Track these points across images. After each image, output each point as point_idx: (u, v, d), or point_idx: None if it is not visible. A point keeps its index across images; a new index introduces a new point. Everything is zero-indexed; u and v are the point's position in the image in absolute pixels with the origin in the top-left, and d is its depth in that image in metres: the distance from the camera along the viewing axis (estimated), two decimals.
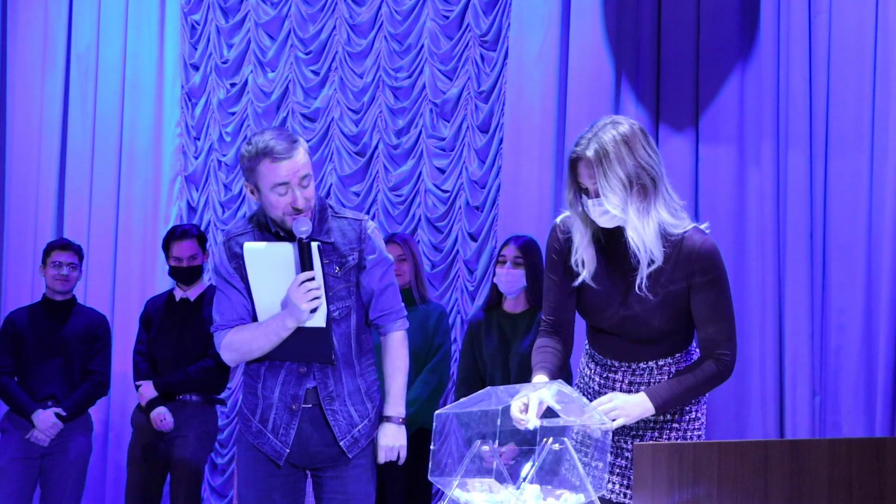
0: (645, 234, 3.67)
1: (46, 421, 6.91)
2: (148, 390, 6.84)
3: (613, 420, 3.66)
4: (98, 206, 8.40)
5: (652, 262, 3.71)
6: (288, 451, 4.41)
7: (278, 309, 4.32)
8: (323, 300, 4.27)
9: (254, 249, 4.32)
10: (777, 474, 2.34)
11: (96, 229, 8.39)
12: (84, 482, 7.17)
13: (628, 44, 7.00)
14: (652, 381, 3.82)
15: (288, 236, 4.34)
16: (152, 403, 6.81)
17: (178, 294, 7.01)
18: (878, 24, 6.38)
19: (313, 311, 4.25)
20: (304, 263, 4.23)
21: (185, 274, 6.94)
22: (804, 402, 6.39)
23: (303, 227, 4.21)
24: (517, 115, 7.35)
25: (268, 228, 4.38)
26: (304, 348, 4.35)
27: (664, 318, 3.75)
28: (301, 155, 4.25)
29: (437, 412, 3.55)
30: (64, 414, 6.93)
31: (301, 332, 4.32)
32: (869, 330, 6.30)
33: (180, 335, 6.91)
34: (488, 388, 3.56)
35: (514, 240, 6.23)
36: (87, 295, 8.21)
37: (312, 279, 4.23)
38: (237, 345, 4.38)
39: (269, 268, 4.30)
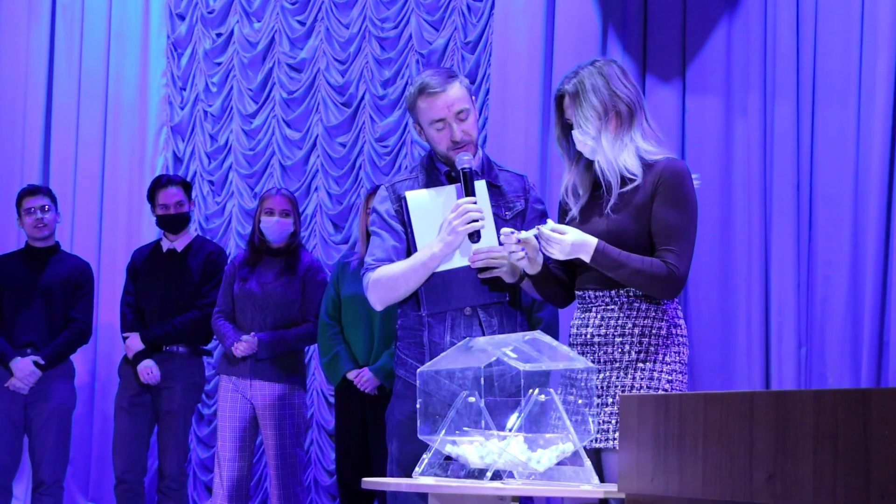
0: (621, 157, 3.85)
1: (24, 369, 6.87)
2: (135, 343, 6.82)
3: (556, 243, 3.79)
4: (84, 156, 8.38)
5: (631, 180, 3.86)
6: None
7: None
8: (492, 226, 4.18)
9: (416, 197, 4.29)
10: (762, 425, 2.34)
11: (82, 180, 8.38)
12: (69, 429, 7.13)
13: None
14: (622, 315, 3.87)
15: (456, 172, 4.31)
16: (139, 356, 6.80)
17: (166, 244, 6.99)
18: None
19: (475, 239, 4.16)
20: (467, 191, 4.19)
21: (172, 221, 6.92)
22: (790, 353, 6.41)
23: (465, 158, 4.22)
24: (504, 65, 7.33)
25: (435, 168, 4.36)
26: (474, 287, 4.26)
27: (638, 232, 3.85)
28: (456, 89, 4.27)
29: (419, 369, 3.56)
30: (42, 362, 6.89)
31: (470, 273, 4.23)
32: (855, 281, 6.30)
33: (167, 286, 6.89)
34: (468, 338, 3.57)
35: None
36: (73, 245, 8.21)
37: (474, 203, 4.17)
38: (384, 280, 4.27)
39: (433, 214, 4.26)
